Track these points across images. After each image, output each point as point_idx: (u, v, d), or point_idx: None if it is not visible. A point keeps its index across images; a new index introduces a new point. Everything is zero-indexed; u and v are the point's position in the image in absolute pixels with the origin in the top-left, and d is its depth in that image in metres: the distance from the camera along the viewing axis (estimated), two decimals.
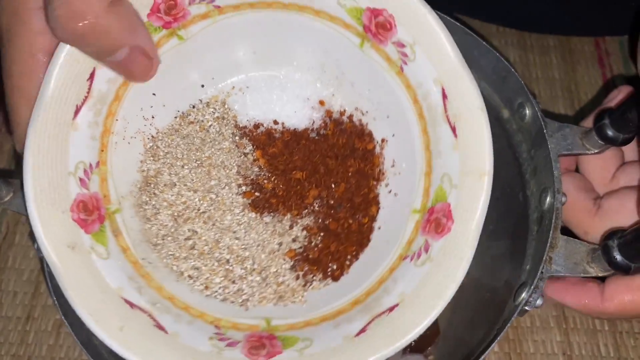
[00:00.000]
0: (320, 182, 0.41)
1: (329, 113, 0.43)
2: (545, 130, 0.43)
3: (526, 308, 0.40)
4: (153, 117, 0.41)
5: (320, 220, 0.40)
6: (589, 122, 0.45)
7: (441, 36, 0.37)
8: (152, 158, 0.41)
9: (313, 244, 0.40)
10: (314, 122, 0.43)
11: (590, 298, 0.41)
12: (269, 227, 0.40)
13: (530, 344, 0.60)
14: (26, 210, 0.40)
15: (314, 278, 0.39)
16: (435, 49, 0.37)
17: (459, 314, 0.55)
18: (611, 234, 0.39)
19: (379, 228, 0.40)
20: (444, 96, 0.37)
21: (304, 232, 0.40)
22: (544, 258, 0.40)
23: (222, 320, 0.36)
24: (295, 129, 0.43)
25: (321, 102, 0.43)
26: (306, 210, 0.40)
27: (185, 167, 0.40)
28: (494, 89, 0.48)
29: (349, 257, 0.39)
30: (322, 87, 0.43)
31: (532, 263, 0.43)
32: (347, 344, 0.34)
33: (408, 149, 0.39)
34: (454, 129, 0.37)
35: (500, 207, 0.52)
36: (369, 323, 0.35)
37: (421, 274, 0.35)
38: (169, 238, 0.39)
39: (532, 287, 0.40)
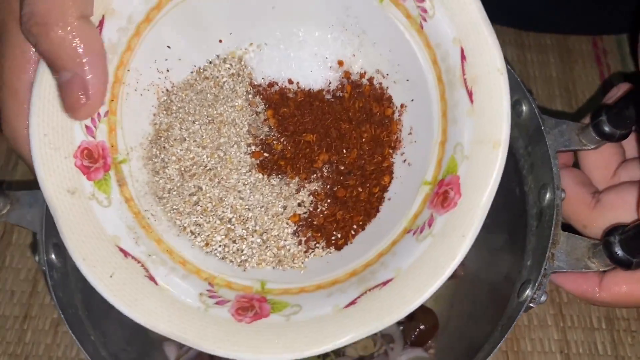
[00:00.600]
0: (331, 146, 0.39)
1: (347, 74, 0.41)
2: (542, 127, 0.44)
3: (531, 305, 0.40)
4: (168, 71, 0.40)
5: (328, 187, 0.39)
6: (588, 120, 0.45)
7: None
8: (165, 112, 0.40)
9: (319, 210, 0.38)
10: (330, 83, 0.41)
11: (588, 285, 0.42)
12: (275, 189, 0.39)
13: (527, 342, 0.60)
14: (25, 221, 0.41)
15: (317, 245, 0.38)
16: (457, 6, 0.35)
17: (457, 308, 0.56)
18: (612, 230, 0.39)
19: (389, 199, 0.38)
20: (463, 57, 0.35)
21: (311, 198, 0.39)
22: (547, 255, 0.40)
23: (217, 278, 0.36)
24: (310, 89, 0.41)
25: (340, 63, 0.41)
26: (315, 175, 0.39)
27: (197, 122, 0.40)
28: None
29: (354, 227, 0.38)
30: (342, 46, 0.41)
31: (533, 259, 0.43)
32: (334, 314, 0.33)
33: (426, 115, 0.37)
34: (470, 94, 0.34)
35: (497, 201, 0.52)
36: (361, 296, 0.34)
37: (421, 249, 0.34)
38: (174, 192, 0.38)
39: (536, 284, 0.40)
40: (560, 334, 0.60)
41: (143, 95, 0.39)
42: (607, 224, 0.42)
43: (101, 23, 0.36)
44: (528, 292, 0.40)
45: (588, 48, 0.75)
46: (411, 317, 0.55)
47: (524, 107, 0.45)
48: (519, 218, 0.46)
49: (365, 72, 0.41)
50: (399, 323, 0.55)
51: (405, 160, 0.39)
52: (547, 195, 0.43)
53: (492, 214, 0.55)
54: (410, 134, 0.39)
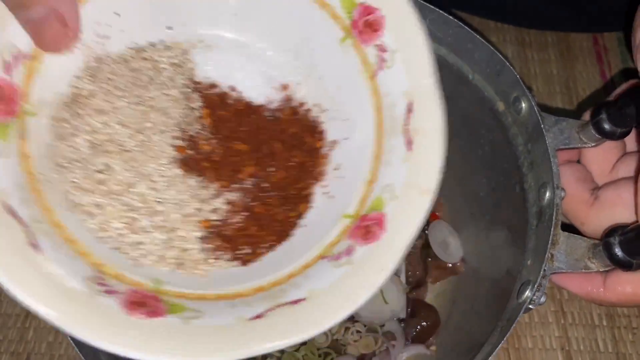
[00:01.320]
0: (260, 161, 0.38)
1: (288, 99, 0.41)
2: (542, 125, 0.44)
3: (530, 306, 0.40)
4: (107, 38, 0.38)
5: (247, 200, 0.38)
6: (588, 117, 0.45)
7: (426, 53, 0.36)
8: (90, 78, 0.37)
9: (233, 221, 0.37)
10: (271, 102, 0.41)
11: (593, 286, 0.42)
12: (192, 189, 0.37)
13: (528, 339, 0.60)
14: None
15: (222, 256, 0.36)
16: (416, 62, 0.37)
17: (458, 305, 0.56)
18: (612, 231, 0.39)
19: (305, 226, 0.38)
20: (409, 110, 0.36)
21: (227, 206, 0.37)
22: (546, 256, 0.40)
23: (106, 266, 0.33)
24: (251, 102, 0.41)
25: (284, 86, 0.41)
26: (236, 185, 0.38)
27: (124, 99, 0.37)
28: (488, 82, 0.49)
29: (265, 245, 0.37)
30: (291, 71, 0.41)
31: (533, 259, 0.43)
32: (238, 324, 0.32)
33: (356, 155, 0.38)
34: (409, 142, 0.36)
35: (495, 197, 0.53)
36: (269, 310, 0.32)
37: (338, 275, 0.34)
38: (78, 164, 0.35)
39: (535, 285, 0.40)
40: (561, 331, 0.60)
41: (74, 53, 0.37)
42: (605, 221, 0.42)
43: None
44: (527, 293, 0.40)
45: (589, 45, 0.75)
46: (413, 314, 0.55)
47: (523, 104, 0.45)
48: (520, 215, 0.46)
49: (304, 103, 0.41)
50: (400, 320, 0.55)
51: (327, 193, 0.39)
52: (547, 195, 0.43)
53: (491, 211, 0.56)
54: (337, 169, 0.39)
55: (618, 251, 0.38)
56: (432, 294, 0.58)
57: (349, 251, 0.34)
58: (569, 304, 0.61)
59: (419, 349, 0.54)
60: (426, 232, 0.58)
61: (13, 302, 0.60)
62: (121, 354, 0.30)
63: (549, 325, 0.60)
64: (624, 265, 0.38)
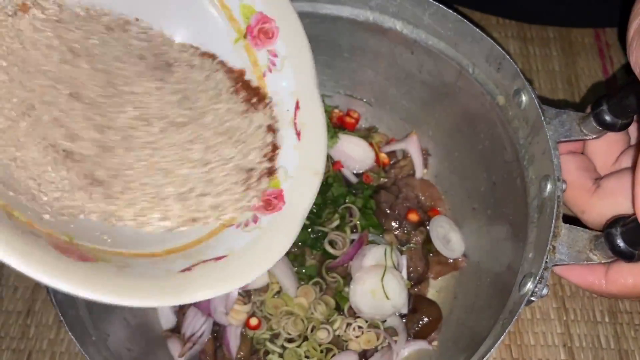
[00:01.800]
0: None
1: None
2: (543, 118, 0.43)
3: (532, 299, 0.40)
4: None
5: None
6: (589, 110, 0.44)
7: (310, 61, 0.44)
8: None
9: None
10: None
11: (594, 278, 0.41)
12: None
13: (530, 336, 0.60)
14: None
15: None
16: (302, 69, 0.43)
17: (460, 300, 0.56)
18: (614, 222, 0.39)
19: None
20: (297, 107, 0.43)
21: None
22: (548, 248, 0.40)
23: (14, 211, 0.32)
24: None
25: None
26: None
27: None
28: (488, 76, 0.49)
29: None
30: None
31: (535, 252, 0.43)
32: (169, 275, 0.35)
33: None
34: (298, 134, 0.43)
35: (497, 192, 0.53)
36: (195, 265, 0.37)
37: (250, 238, 0.39)
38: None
39: (537, 277, 0.40)
40: (563, 328, 0.60)
41: None
42: (606, 210, 0.42)
43: None
44: (529, 285, 0.40)
45: (590, 41, 0.75)
46: (415, 310, 0.55)
47: (523, 97, 0.45)
48: (521, 209, 0.46)
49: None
50: (402, 316, 0.55)
51: None
52: (548, 187, 0.43)
53: (493, 206, 0.55)
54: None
55: (620, 242, 0.38)
56: (433, 290, 0.58)
57: (255, 219, 0.41)
58: (571, 300, 0.61)
59: (420, 344, 0.54)
60: (427, 227, 0.57)
61: (14, 299, 0.61)
62: (66, 291, 0.30)
63: (551, 322, 0.60)
64: (626, 256, 0.38)
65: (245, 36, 0.44)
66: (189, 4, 0.44)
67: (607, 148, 0.44)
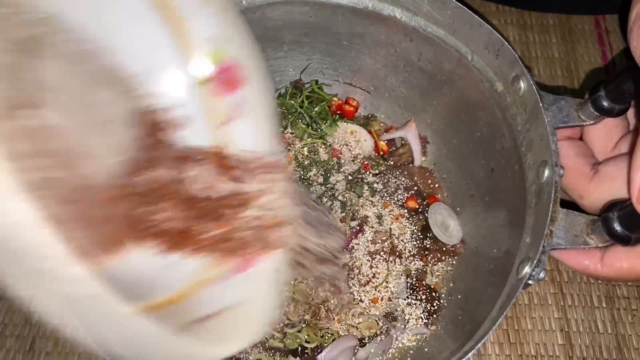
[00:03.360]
0: None
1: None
2: (541, 104, 0.43)
3: (530, 282, 0.40)
4: None
5: None
6: (587, 96, 0.44)
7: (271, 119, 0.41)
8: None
9: None
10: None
11: (590, 261, 0.42)
12: None
13: (528, 321, 0.60)
14: None
15: None
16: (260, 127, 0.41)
17: (459, 284, 0.56)
18: (611, 206, 0.39)
19: None
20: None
21: None
22: (545, 232, 0.40)
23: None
24: None
25: None
26: None
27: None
28: (487, 63, 0.49)
29: None
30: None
31: (532, 236, 0.43)
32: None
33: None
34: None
35: (495, 179, 0.53)
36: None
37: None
38: None
39: (535, 261, 0.40)
40: (560, 313, 0.60)
41: None
42: (604, 195, 0.42)
43: None
44: (527, 269, 0.41)
45: (590, 28, 0.75)
46: (414, 296, 0.56)
47: (522, 84, 0.45)
48: (519, 195, 0.47)
49: None
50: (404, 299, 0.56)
51: None
52: (546, 173, 0.43)
53: (491, 192, 0.56)
54: None
55: (617, 226, 0.38)
56: (432, 275, 0.58)
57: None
58: (568, 286, 0.61)
59: (419, 329, 0.55)
60: (426, 214, 0.58)
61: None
62: None
63: (549, 307, 0.60)
64: (623, 240, 0.38)
65: (210, 81, 0.40)
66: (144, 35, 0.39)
67: (605, 134, 0.45)
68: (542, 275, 0.40)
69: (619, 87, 0.41)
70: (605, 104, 0.41)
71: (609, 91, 0.41)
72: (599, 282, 0.61)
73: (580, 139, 0.47)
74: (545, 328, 0.60)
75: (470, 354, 0.40)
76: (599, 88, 0.41)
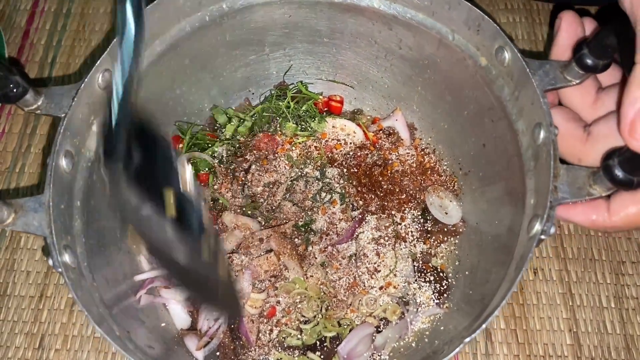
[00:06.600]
0: None
1: None
2: (527, 70, 0.43)
3: (542, 237, 0.39)
4: None
5: None
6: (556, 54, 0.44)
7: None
8: None
9: None
10: None
11: (598, 214, 0.41)
12: None
13: (536, 321, 0.58)
14: (32, 227, 0.39)
15: None
16: None
17: (465, 262, 0.54)
18: (610, 154, 0.39)
19: None
20: None
21: None
22: (550, 188, 0.40)
23: None
24: None
25: None
26: None
27: None
28: (468, 40, 0.49)
29: None
30: None
31: (536, 196, 0.42)
32: None
33: None
34: None
35: (488, 153, 0.52)
36: None
37: None
38: None
39: (544, 216, 0.39)
40: (569, 313, 0.58)
41: None
42: (600, 154, 0.41)
43: None
44: (537, 226, 0.40)
45: None
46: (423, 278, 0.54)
47: (506, 54, 0.45)
48: (514, 163, 0.46)
49: None
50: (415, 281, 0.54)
51: None
52: (542, 133, 0.42)
53: (484, 167, 0.54)
54: None
55: (618, 171, 0.37)
56: (437, 257, 0.56)
57: None
58: (577, 286, 0.59)
59: (432, 310, 0.53)
60: (424, 198, 0.57)
61: (27, 284, 0.59)
62: None
63: (557, 307, 0.58)
64: (626, 184, 0.37)
65: None
66: None
67: (582, 92, 0.45)
68: (552, 230, 0.39)
69: (601, 42, 0.41)
70: (589, 61, 0.41)
71: (592, 48, 0.41)
72: (607, 282, 0.59)
73: (560, 105, 0.47)
74: (554, 328, 0.57)
75: (487, 322, 0.39)
76: (582, 47, 0.42)
